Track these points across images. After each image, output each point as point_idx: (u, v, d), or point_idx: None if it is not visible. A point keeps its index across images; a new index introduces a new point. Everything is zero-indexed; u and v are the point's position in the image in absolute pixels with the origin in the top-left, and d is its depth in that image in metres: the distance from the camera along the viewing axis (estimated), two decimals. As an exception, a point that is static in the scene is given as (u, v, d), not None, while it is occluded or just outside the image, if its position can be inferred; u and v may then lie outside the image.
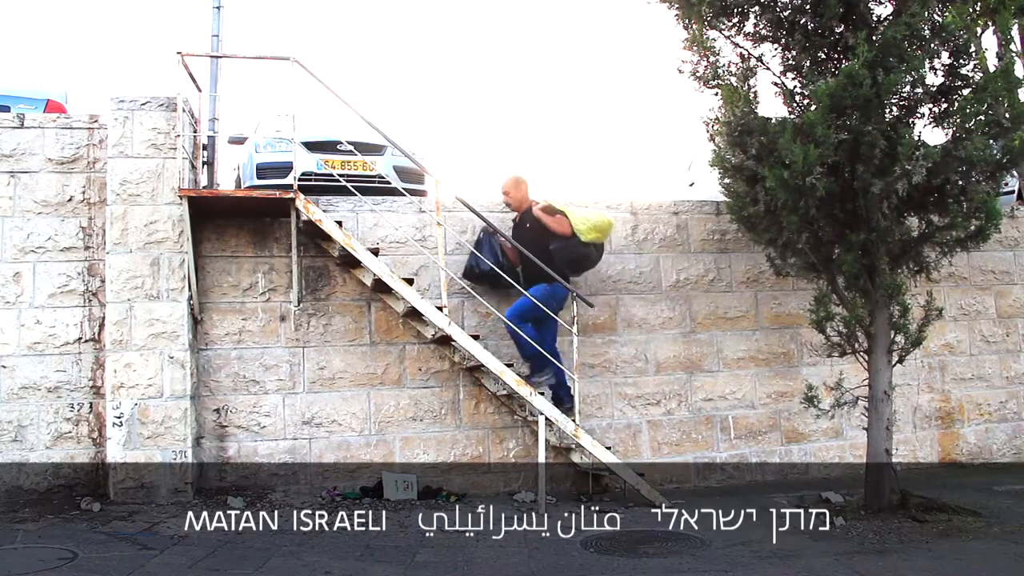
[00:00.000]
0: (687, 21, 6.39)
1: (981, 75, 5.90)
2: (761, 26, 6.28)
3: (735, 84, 6.22)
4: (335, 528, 5.64)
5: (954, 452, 8.14)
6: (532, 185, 7.14)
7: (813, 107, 5.86)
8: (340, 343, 6.90)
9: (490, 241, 7.00)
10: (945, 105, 5.96)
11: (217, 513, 5.94)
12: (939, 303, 7.17)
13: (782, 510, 6.21)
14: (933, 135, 6.08)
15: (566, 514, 6.17)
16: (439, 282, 6.61)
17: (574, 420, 6.53)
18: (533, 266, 6.70)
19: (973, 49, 5.99)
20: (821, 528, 5.63)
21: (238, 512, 6.02)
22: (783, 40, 6.21)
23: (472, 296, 6.97)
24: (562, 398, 6.76)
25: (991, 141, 5.87)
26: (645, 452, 7.36)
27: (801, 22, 6.05)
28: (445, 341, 6.76)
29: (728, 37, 6.41)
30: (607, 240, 7.16)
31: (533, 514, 6.17)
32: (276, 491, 6.58)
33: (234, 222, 6.78)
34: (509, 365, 6.55)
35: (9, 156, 6.56)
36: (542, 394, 6.53)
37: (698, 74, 6.40)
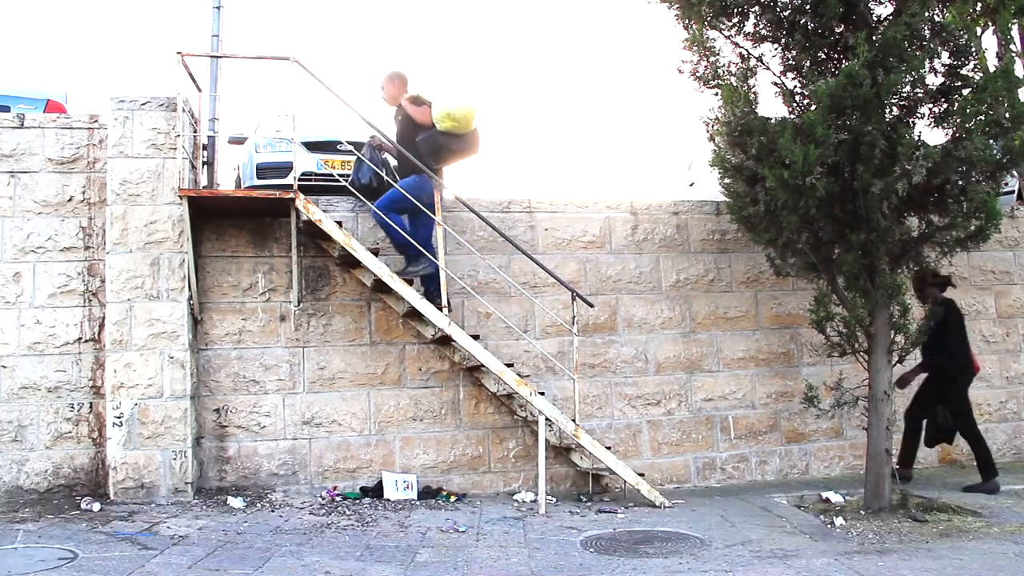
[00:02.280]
0: (687, 21, 6.39)
1: (981, 75, 5.90)
2: (761, 26, 6.27)
3: (735, 84, 6.21)
4: (335, 528, 5.64)
5: (954, 452, 8.13)
6: (412, 83, 6.99)
7: (813, 107, 5.86)
8: (340, 343, 6.90)
9: (371, 153, 6.95)
10: (945, 105, 5.95)
11: (217, 513, 5.96)
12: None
13: (782, 510, 6.22)
14: (933, 135, 6.08)
15: (566, 514, 6.17)
16: (439, 282, 6.61)
17: (574, 420, 6.53)
18: (403, 159, 6.73)
19: (973, 49, 5.98)
20: (821, 528, 5.64)
21: (238, 512, 6.03)
22: (783, 40, 6.21)
23: (472, 296, 6.98)
24: (434, 295, 6.63)
25: (991, 141, 5.87)
26: (645, 452, 7.37)
27: (801, 22, 6.05)
28: (445, 341, 6.76)
29: (728, 37, 6.41)
30: (473, 133, 6.82)
31: (533, 514, 6.17)
32: (276, 491, 6.58)
33: (234, 222, 6.79)
34: (509, 365, 6.55)
35: (9, 156, 6.56)
36: (541, 394, 6.53)
37: (698, 74, 6.40)
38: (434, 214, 6.63)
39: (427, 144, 6.73)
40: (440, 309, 6.46)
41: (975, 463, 6.96)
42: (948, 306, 7.12)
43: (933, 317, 6.66)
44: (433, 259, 6.61)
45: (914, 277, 7.00)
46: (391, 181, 6.74)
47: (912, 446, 7.23)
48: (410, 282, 6.60)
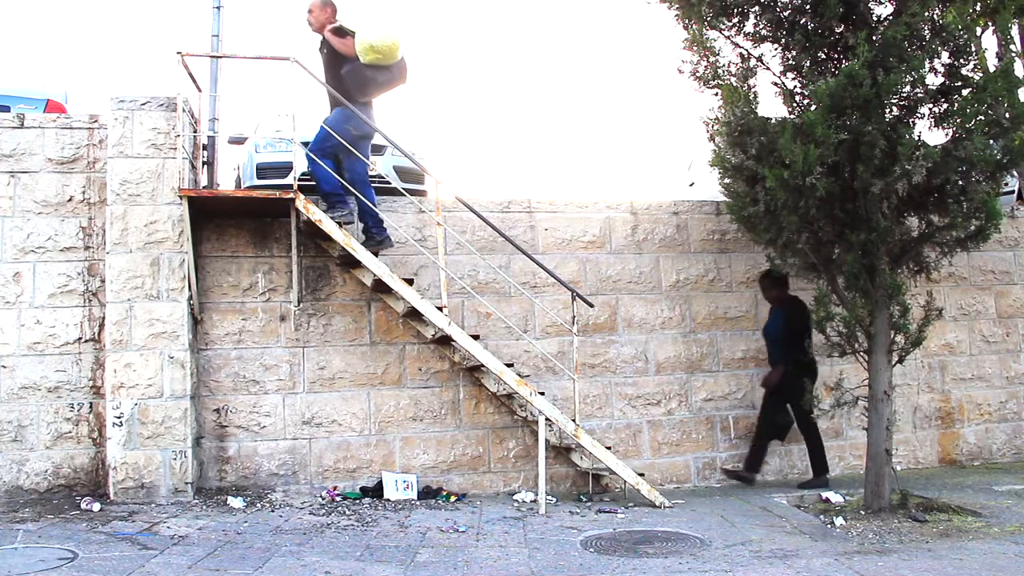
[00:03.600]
0: (687, 21, 6.39)
1: (981, 75, 5.90)
2: (761, 26, 6.27)
3: (735, 84, 6.22)
4: (335, 528, 5.64)
5: (954, 452, 8.14)
6: (340, 11, 6.72)
7: (813, 107, 5.86)
8: (340, 343, 6.90)
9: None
10: (945, 105, 5.95)
11: (217, 513, 5.96)
12: (939, 303, 7.23)
13: (782, 510, 6.22)
14: (933, 135, 6.08)
15: (566, 514, 6.17)
16: (439, 282, 6.61)
17: (574, 420, 6.53)
18: (329, 93, 6.62)
19: (973, 49, 5.98)
20: (821, 528, 5.64)
21: (238, 512, 6.03)
22: (783, 40, 6.21)
23: (472, 296, 6.98)
24: (372, 232, 6.62)
25: (991, 141, 5.87)
26: (645, 452, 7.37)
27: (801, 22, 6.05)
28: (445, 341, 6.76)
29: (728, 37, 6.41)
30: (400, 63, 6.67)
31: (533, 514, 6.17)
32: (276, 491, 6.58)
33: (234, 222, 6.79)
34: (509, 365, 6.55)
35: (9, 156, 6.56)
36: (541, 394, 6.53)
37: (698, 74, 6.40)
38: (366, 151, 6.44)
39: (352, 77, 6.51)
40: (380, 246, 6.38)
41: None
42: (792, 305, 7.26)
43: (785, 319, 7.06)
44: (368, 202, 6.49)
45: (759, 277, 7.30)
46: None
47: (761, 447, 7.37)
48: (410, 281, 6.60)
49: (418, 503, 6.50)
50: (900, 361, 6.16)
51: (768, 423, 7.31)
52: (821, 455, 7.19)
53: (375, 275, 6.44)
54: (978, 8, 6.10)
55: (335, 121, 6.50)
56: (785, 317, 7.25)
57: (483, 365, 6.52)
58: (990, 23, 6.44)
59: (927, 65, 5.84)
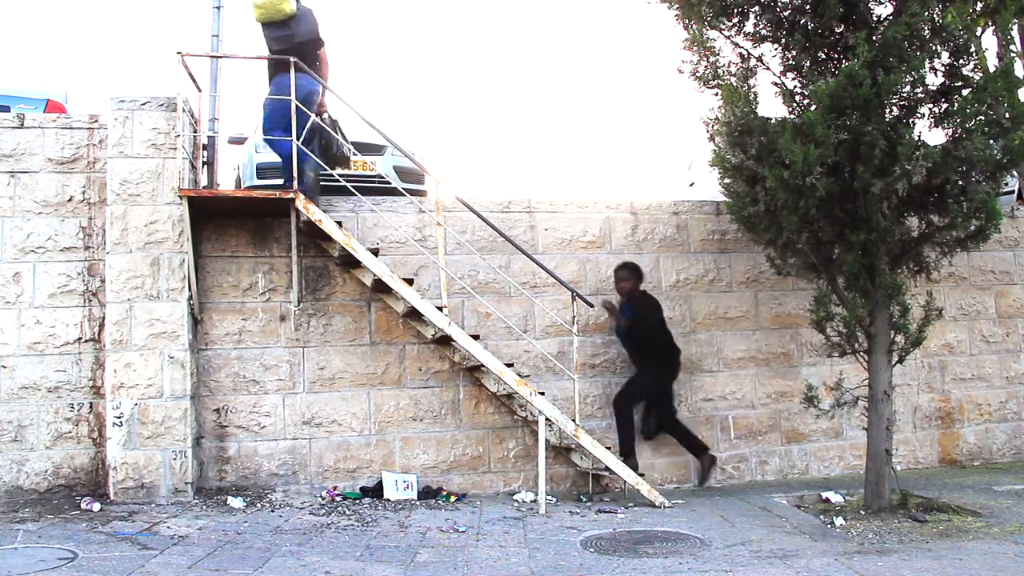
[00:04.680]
0: (687, 21, 6.38)
1: (981, 75, 5.90)
2: (761, 26, 6.27)
3: (735, 84, 6.21)
4: (335, 528, 5.64)
5: (954, 452, 8.14)
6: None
7: (813, 107, 5.86)
8: (340, 343, 6.90)
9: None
10: (945, 105, 5.95)
11: (217, 513, 5.96)
12: (939, 303, 7.23)
13: (782, 510, 6.22)
14: (933, 135, 6.08)
15: (566, 514, 6.17)
16: (439, 282, 6.61)
17: (574, 420, 6.53)
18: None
19: (973, 49, 5.98)
20: (821, 528, 5.64)
21: (238, 512, 6.03)
22: (783, 40, 6.21)
23: (472, 296, 6.98)
24: (312, 197, 6.52)
25: (991, 141, 5.87)
26: (645, 452, 7.36)
27: (801, 22, 6.05)
28: (445, 341, 6.76)
29: (728, 37, 6.41)
30: (299, 17, 6.60)
31: (533, 514, 6.17)
32: (276, 491, 6.58)
33: (234, 222, 6.79)
34: (509, 365, 6.55)
35: (9, 156, 6.56)
36: (541, 394, 6.53)
37: (698, 74, 6.40)
38: (302, 116, 6.30)
39: (267, 39, 6.60)
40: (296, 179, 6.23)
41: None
42: (641, 299, 7.23)
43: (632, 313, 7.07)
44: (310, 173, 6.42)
45: (616, 268, 7.28)
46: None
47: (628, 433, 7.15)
48: (410, 281, 6.60)
49: (418, 503, 6.50)
50: (900, 361, 6.16)
51: (665, 422, 7.29)
52: (692, 438, 7.19)
53: (375, 275, 6.45)
54: (978, 8, 6.10)
55: (276, 87, 6.51)
56: (632, 311, 7.14)
57: (483, 365, 6.52)
58: (990, 23, 6.44)
59: (927, 65, 5.84)
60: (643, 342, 7.13)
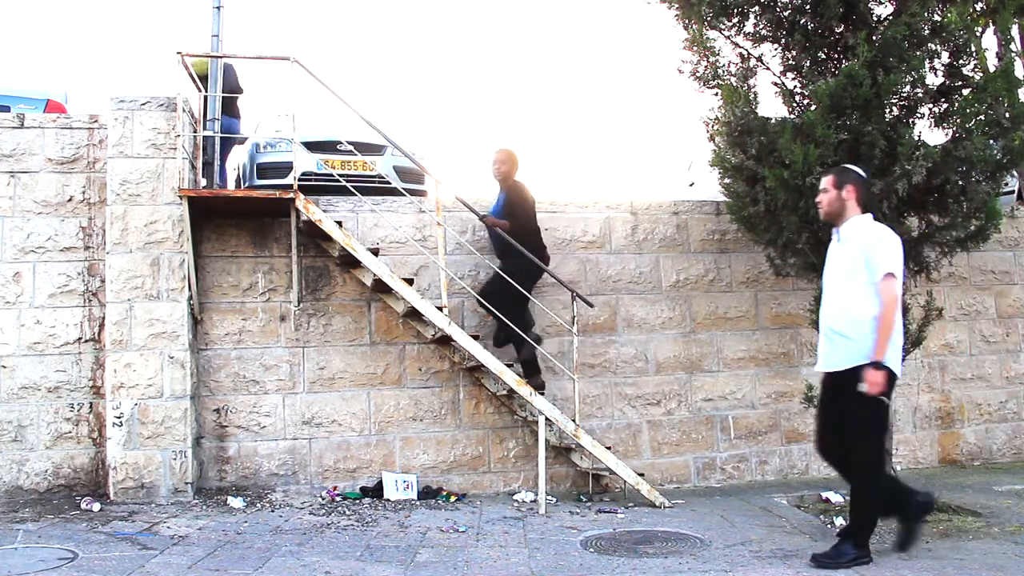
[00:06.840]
0: (687, 21, 6.39)
1: (981, 75, 5.89)
2: (761, 26, 6.27)
3: (735, 84, 6.22)
4: (335, 528, 5.64)
5: (954, 452, 8.14)
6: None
7: (813, 107, 5.86)
8: (340, 343, 6.90)
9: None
10: (945, 105, 5.95)
11: (217, 513, 5.96)
12: (939, 303, 7.24)
13: (782, 510, 6.22)
14: (933, 135, 6.08)
15: (566, 514, 6.17)
16: (439, 282, 6.61)
17: (574, 420, 6.53)
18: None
19: (973, 49, 5.98)
20: (821, 528, 5.63)
21: (238, 512, 6.03)
22: (783, 40, 6.21)
23: (472, 296, 6.97)
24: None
25: (991, 141, 5.87)
26: (645, 452, 7.37)
27: (801, 22, 6.05)
28: (445, 341, 6.76)
29: (728, 37, 6.41)
30: (224, 75, 7.26)
31: (533, 514, 6.17)
32: (276, 491, 6.58)
33: (234, 222, 6.79)
34: (509, 365, 6.55)
35: (9, 156, 6.56)
36: (541, 393, 6.53)
37: (698, 74, 6.40)
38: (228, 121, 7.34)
39: None
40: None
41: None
42: (516, 186, 6.94)
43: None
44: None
45: (495, 152, 7.06)
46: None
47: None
48: (410, 281, 6.60)
49: (418, 503, 6.50)
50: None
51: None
52: (534, 364, 6.78)
53: (375, 275, 6.45)
54: (978, 8, 6.10)
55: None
56: (506, 198, 6.88)
57: (483, 365, 6.52)
58: (990, 23, 6.44)
59: (927, 65, 5.84)
60: (513, 234, 6.67)
